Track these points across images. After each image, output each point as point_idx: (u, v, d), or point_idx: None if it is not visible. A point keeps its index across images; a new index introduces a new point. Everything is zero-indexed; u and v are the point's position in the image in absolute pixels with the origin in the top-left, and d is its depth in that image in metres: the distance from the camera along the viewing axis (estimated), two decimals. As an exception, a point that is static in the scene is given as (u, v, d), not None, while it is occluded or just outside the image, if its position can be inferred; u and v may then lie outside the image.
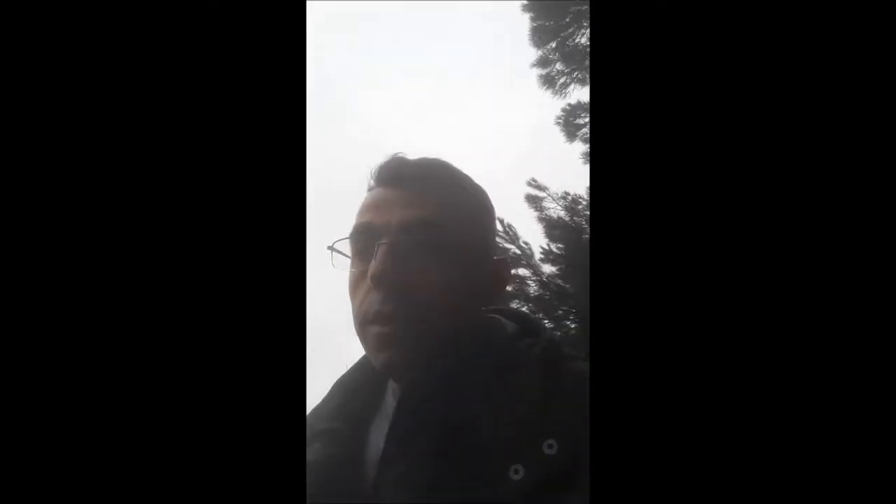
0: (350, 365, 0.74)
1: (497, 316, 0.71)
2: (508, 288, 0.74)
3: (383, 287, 0.60)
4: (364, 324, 0.62)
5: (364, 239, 0.64)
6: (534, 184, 4.03)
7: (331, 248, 0.67)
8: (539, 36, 4.44)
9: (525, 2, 4.40)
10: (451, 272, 0.62)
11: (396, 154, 0.68)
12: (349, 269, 0.66)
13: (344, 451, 0.64)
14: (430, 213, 0.63)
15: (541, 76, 4.59)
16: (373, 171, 0.68)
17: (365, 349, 0.65)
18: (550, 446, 0.54)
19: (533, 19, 4.41)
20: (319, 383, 0.73)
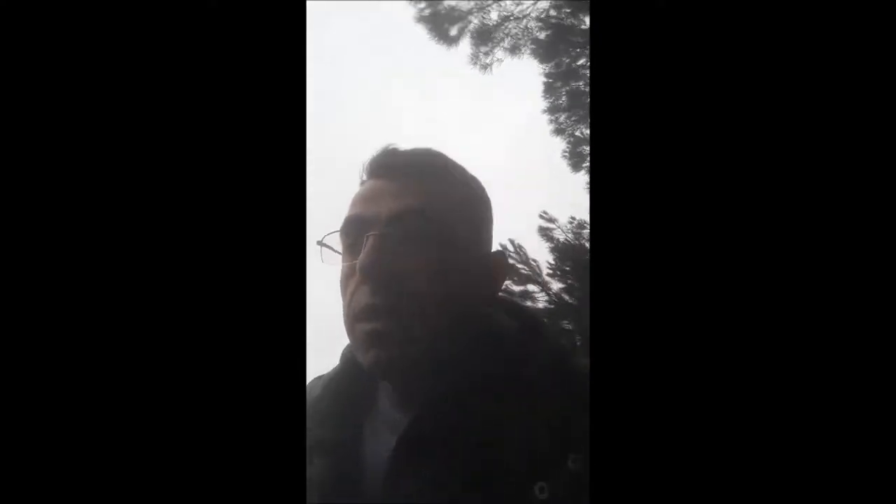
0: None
1: (490, 311, 0.68)
2: (507, 282, 0.71)
3: (371, 279, 0.58)
4: (353, 320, 0.61)
5: (354, 232, 0.62)
6: (545, 216, 4.13)
7: (320, 243, 0.65)
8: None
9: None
10: (442, 263, 0.60)
11: (388, 146, 0.67)
12: (340, 265, 0.64)
13: (342, 463, 0.61)
14: (419, 203, 0.61)
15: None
16: (365, 164, 0.67)
17: (353, 347, 0.63)
18: (575, 461, 0.52)
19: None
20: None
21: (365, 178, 0.67)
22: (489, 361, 0.61)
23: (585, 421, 0.51)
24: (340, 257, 0.64)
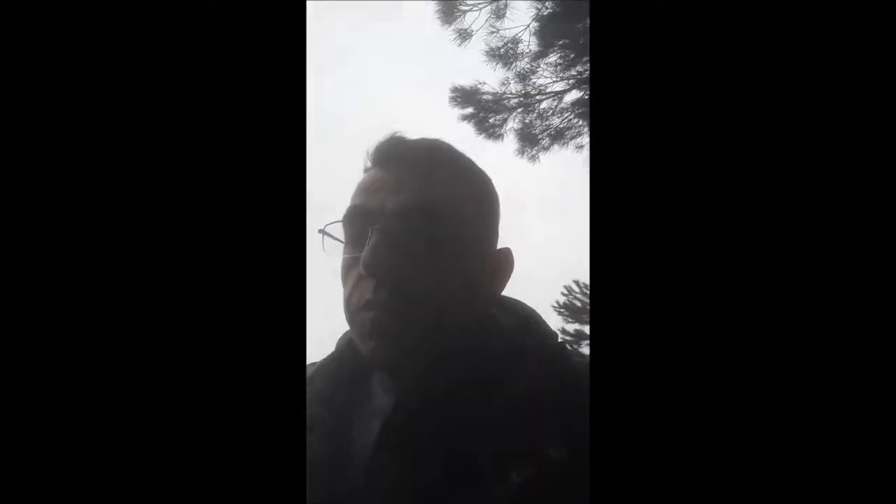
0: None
1: (496, 312, 0.68)
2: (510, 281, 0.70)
3: (376, 275, 0.57)
4: (355, 310, 0.60)
5: (357, 223, 0.61)
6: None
7: (322, 231, 0.64)
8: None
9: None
10: (447, 262, 0.59)
11: (395, 133, 0.64)
12: (342, 254, 0.63)
13: (331, 445, 0.61)
14: (426, 199, 0.59)
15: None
16: (369, 150, 0.65)
17: (353, 335, 0.62)
18: (556, 448, 0.52)
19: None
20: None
21: (369, 165, 0.65)
22: (487, 356, 0.61)
23: (570, 410, 0.53)
24: (342, 246, 0.63)
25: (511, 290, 0.69)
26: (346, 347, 0.69)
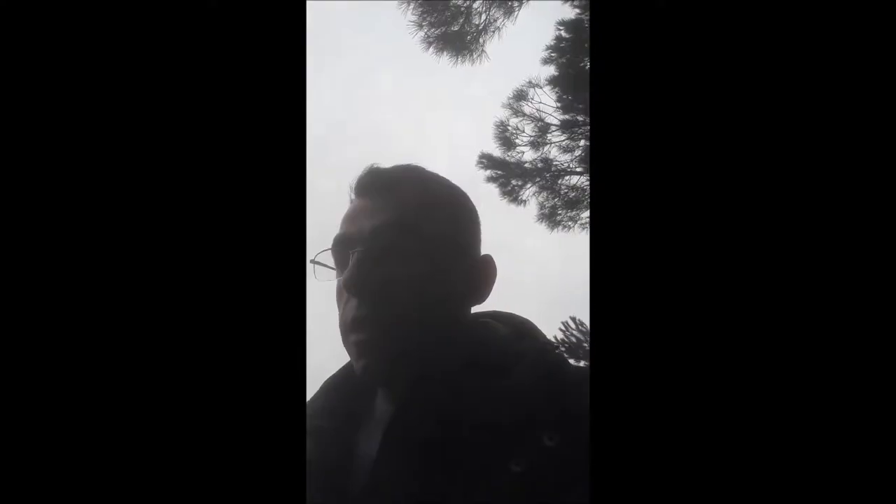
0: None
1: (489, 320, 0.71)
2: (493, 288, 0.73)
3: (356, 293, 0.61)
4: (346, 333, 0.64)
5: (341, 250, 0.66)
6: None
7: (313, 261, 0.69)
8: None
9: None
10: (424, 272, 0.63)
11: (372, 166, 0.70)
12: (335, 280, 0.68)
13: (334, 451, 0.63)
14: (399, 216, 0.64)
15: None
16: (351, 185, 0.70)
17: (350, 357, 0.66)
18: (551, 438, 0.54)
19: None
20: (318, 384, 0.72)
21: (353, 197, 0.70)
22: (481, 363, 0.62)
23: (567, 403, 0.55)
24: (334, 273, 0.68)
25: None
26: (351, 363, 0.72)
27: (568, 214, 5.79)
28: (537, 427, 0.55)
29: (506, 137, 5.67)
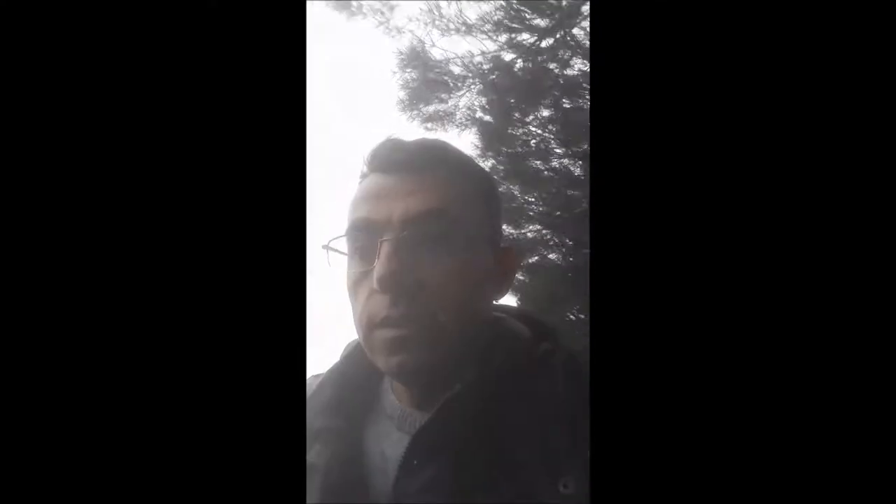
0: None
1: (503, 315, 0.66)
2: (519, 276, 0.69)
3: (391, 290, 0.55)
4: (370, 328, 0.57)
5: (363, 236, 0.58)
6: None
7: (326, 246, 0.62)
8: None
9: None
10: (462, 266, 0.57)
11: (391, 136, 0.62)
12: (348, 269, 0.61)
13: (346, 453, 0.61)
14: (435, 203, 0.57)
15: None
16: (365, 156, 0.62)
17: (370, 353, 0.59)
18: (566, 486, 0.51)
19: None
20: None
21: (366, 171, 0.62)
22: (506, 363, 0.60)
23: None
24: (347, 260, 0.61)
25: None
26: (352, 355, 0.68)
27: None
28: (581, 444, 0.51)
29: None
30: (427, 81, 4.22)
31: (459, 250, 0.57)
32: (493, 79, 4.10)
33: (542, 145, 4.11)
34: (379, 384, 0.66)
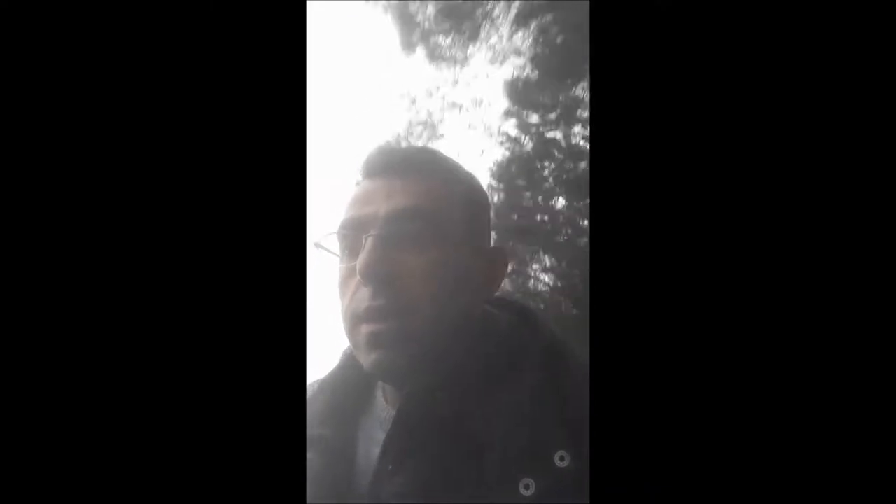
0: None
1: (490, 308, 0.67)
2: (505, 280, 0.70)
3: (372, 281, 0.57)
4: (355, 322, 0.60)
5: (351, 233, 0.61)
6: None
7: (318, 244, 0.65)
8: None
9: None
10: (443, 262, 0.59)
11: (383, 144, 0.67)
12: (338, 266, 0.64)
13: (339, 460, 0.62)
14: (418, 201, 0.60)
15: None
16: (360, 164, 0.66)
17: (354, 349, 0.62)
18: (562, 458, 0.51)
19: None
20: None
21: (361, 178, 0.66)
22: (487, 357, 0.61)
23: (581, 414, 0.51)
24: (338, 259, 0.64)
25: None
26: (348, 360, 0.69)
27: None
28: (546, 445, 0.52)
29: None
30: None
31: (441, 247, 0.60)
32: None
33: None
34: (374, 389, 0.67)
